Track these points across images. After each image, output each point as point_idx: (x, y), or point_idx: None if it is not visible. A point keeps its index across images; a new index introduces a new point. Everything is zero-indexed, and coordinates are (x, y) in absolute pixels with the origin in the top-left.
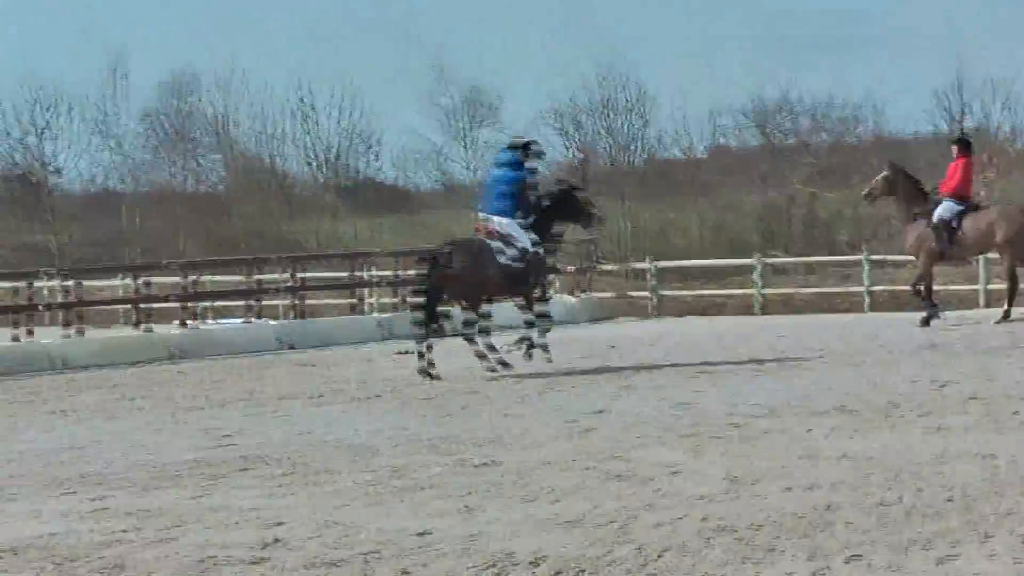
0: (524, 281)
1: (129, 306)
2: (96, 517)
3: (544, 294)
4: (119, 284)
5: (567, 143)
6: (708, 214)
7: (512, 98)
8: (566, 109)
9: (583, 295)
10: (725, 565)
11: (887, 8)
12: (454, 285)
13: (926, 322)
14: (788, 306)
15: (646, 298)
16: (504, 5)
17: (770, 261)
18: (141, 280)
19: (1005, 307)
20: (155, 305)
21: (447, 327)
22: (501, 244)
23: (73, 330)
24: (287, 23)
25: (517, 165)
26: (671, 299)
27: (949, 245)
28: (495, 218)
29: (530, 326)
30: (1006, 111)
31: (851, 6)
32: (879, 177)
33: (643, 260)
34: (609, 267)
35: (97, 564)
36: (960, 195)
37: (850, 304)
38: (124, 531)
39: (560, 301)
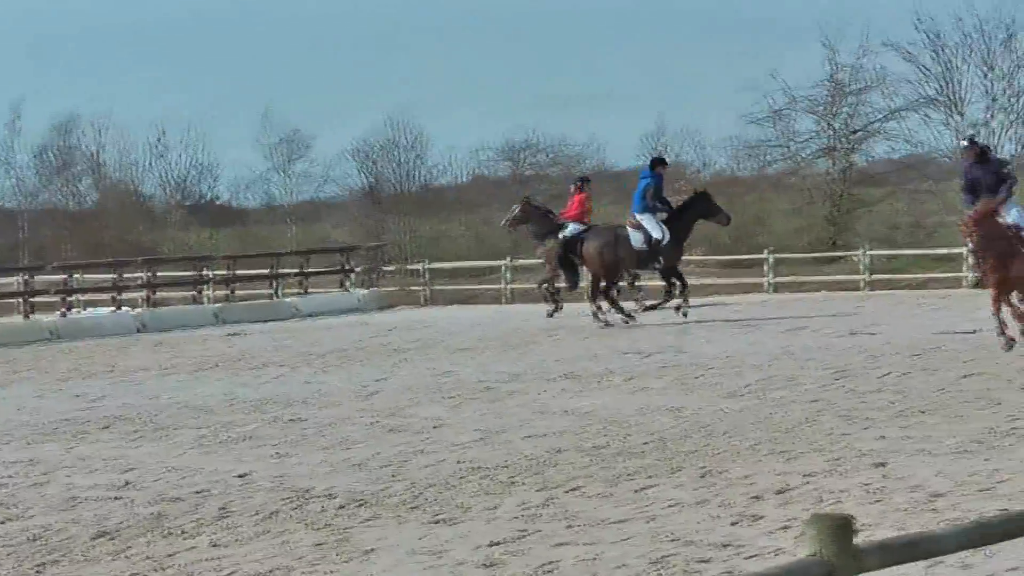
0: (651, 259)
1: (20, 299)
2: None
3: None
4: (13, 281)
5: (363, 173)
6: (471, 227)
7: (322, 137)
8: (363, 146)
9: (371, 288)
10: (476, 496)
11: (608, 69)
12: (591, 259)
13: (552, 310)
14: (529, 297)
15: (420, 291)
16: (318, 62)
17: (516, 263)
18: (30, 278)
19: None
20: (40, 298)
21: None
22: (637, 233)
23: None
24: (147, 75)
25: (648, 175)
26: (441, 292)
27: (575, 256)
28: (636, 215)
29: (668, 294)
30: (694, 151)
31: (583, 68)
32: (515, 209)
33: (420, 262)
34: (393, 267)
35: None
36: (580, 220)
37: (578, 295)
38: (9, 476)
39: (352, 293)
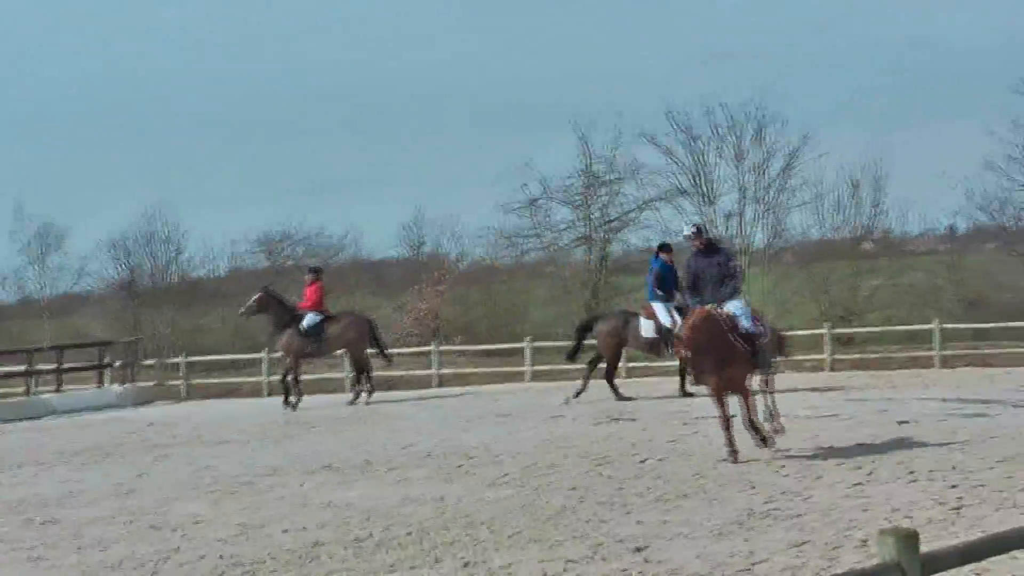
0: (663, 347)
1: None
2: None
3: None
4: None
5: (119, 266)
6: (229, 319)
7: (77, 230)
8: (119, 239)
9: (128, 383)
10: None
11: (366, 160)
12: (599, 341)
13: (291, 405)
14: None
15: (179, 385)
16: (71, 154)
17: (276, 355)
18: None
19: (365, 388)
20: None
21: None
22: (649, 322)
23: None
24: None
25: (654, 261)
26: (200, 385)
27: (316, 345)
28: (651, 303)
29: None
30: (453, 241)
31: (340, 159)
32: (252, 299)
33: (178, 356)
34: (151, 361)
35: None
36: (318, 309)
37: (338, 386)
38: None
39: (110, 389)
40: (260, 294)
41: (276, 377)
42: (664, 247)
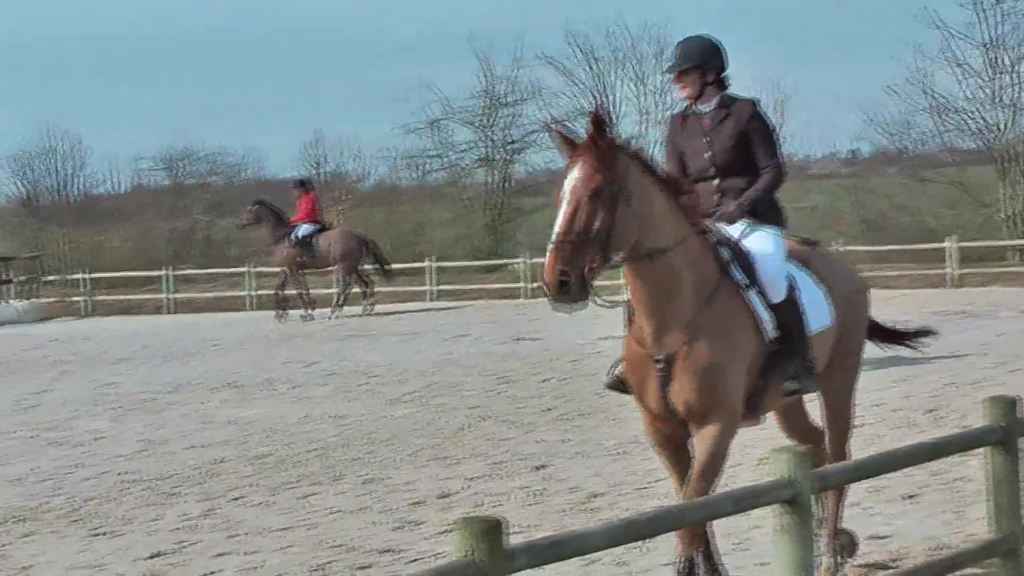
0: None
1: None
2: None
3: None
4: None
5: (20, 182)
6: (130, 236)
7: None
8: (19, 154)
9: (30, 299)
10: (137, 508)
11: (260, 80)
12: None
13: (304, 317)
14: (191, 306)
15: (81, 302)
16: None
17: (178, 272)
18: None
19: (337, 302)
20: None
21: None
22: None
23: None
24: None
25: None
26: (102, 303)
27: (308, 256)
28: None
29: None
30: (353, 161)
31: (240, 79)
32: (248, 210)
33: (79, 272)
34: (53, 278)
35: None
36: (312, 220)
37: (239, 304)
38: None
39: (11, 305)
40: (257, 205)
41: (178, 295)
42: None
